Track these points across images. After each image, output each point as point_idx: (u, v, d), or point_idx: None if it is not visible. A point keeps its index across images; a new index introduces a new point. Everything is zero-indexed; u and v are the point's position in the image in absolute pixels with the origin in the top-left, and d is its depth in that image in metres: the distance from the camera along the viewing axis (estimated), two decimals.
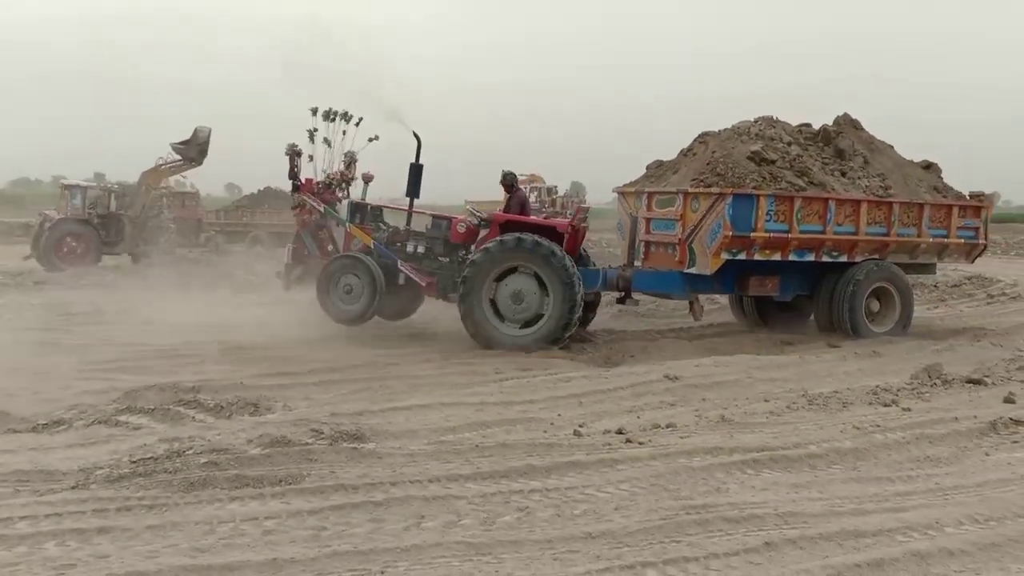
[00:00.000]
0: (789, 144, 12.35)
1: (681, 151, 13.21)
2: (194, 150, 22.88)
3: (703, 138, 13.04)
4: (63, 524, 4.78)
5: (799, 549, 4.58)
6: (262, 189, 34.54)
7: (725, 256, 11.13)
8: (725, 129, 12.87)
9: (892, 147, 13.63)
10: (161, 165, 24.15)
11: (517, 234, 10.70)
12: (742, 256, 11.22)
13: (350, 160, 11.55)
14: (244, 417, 7.10)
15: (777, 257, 11.44)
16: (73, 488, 5.38)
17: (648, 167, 13.55)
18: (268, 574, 4.20)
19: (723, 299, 14.08)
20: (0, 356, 9.44)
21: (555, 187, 37.65)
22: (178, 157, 23.55)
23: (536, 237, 10.67)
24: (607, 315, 13.81)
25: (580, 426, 7.00)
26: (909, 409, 7.68)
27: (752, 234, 11.07)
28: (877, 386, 8.49)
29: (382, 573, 4.25)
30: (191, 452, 5.92)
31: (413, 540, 4.63)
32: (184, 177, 35.82)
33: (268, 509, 5.08)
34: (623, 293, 11.81)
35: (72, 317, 12.93)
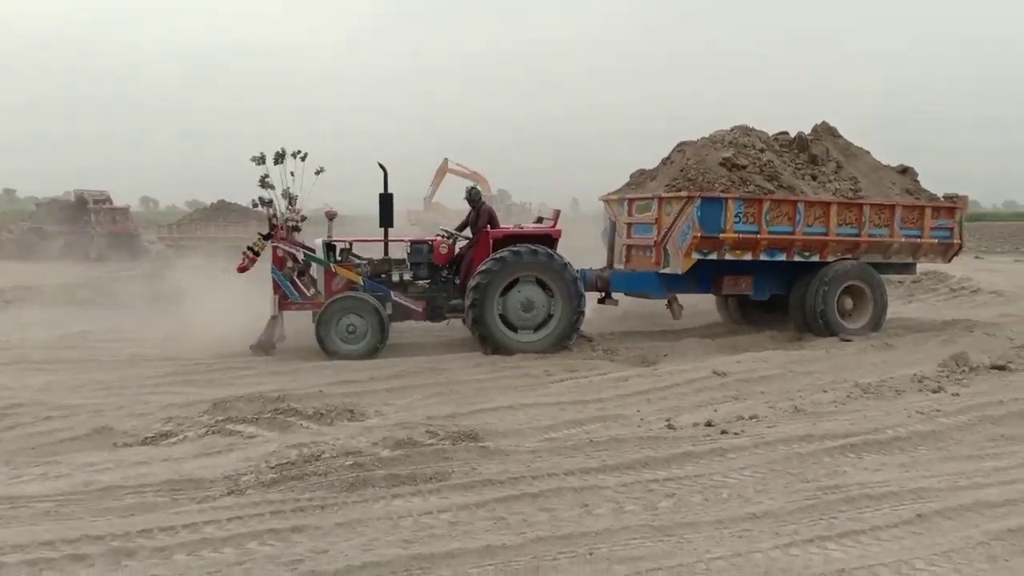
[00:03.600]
0: (762, 151, 12.95)
1: (662, 160, 13.82)
2: None
3: (681, 147, 13.65)
4: (251, 526, 4.91)
5: (948, 520, 5.02)
6: (216, 203, 34.08)
7: (696, 256, 11.70)
8: (702, 138, 13.48)
9: (868, 153, 14.39)
10: None
11: (512, 248, 11.07)
12: (713, 256, 11.78)
13: (290, 199, 11.17)
14: (346, 423, 7.25)
15: (748, 257, 11.98)
16: (230, 494, 5.50)
17: (631, 175, 14.18)
18: (488, 559, 4.44)
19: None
20: (50, 376, 9.37)
21: (507, 192, 37.95)
22: None
23: (531, 246, 11.08)
24: (613, 318, 14.27)
25: (668, 420, 7.36)
26: (957, 394, 8.27)
27: (721, 235, 11.63)
28: (914, 374, 9.07)
29: (591, 554, 4.53)
30: (327, 456, 6.09)
31: (597, 525, 4.92)
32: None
33: (435, 504, 5.30)
34: (603, 293, 12.47)
35: (86, 335, 12.71)
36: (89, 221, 34.71)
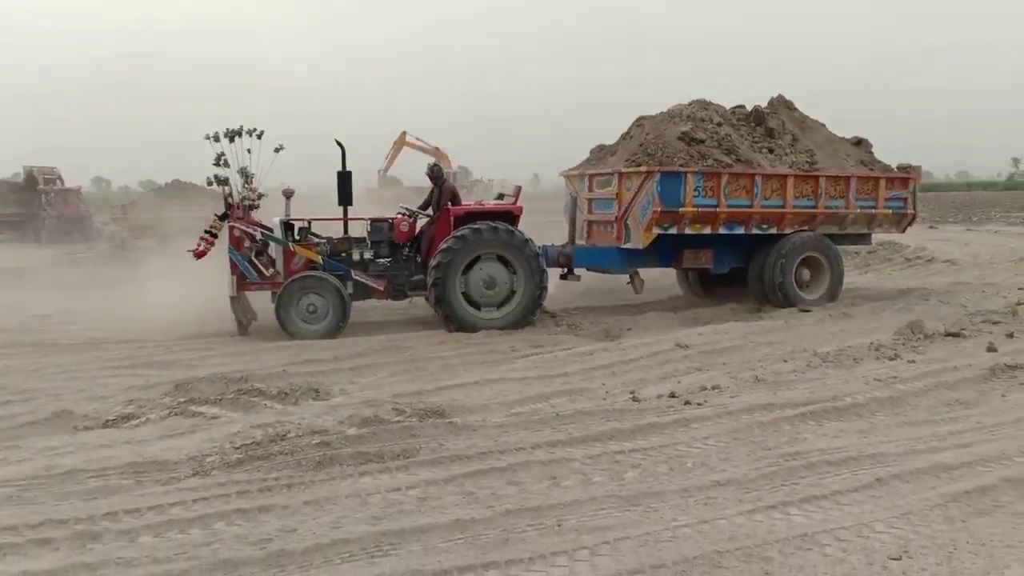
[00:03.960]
0: (719, 124, 13.02)
1: (621, 135, 13.84)
2: None
3: (640, 121, 13.67)
4: (218, 507, 4.89)
5: (906, 483, 5.15)
6: (170, 182, 33.41)
7: (656, 230, 11.79)
8: (660, 113, 13.53)
9: (824, 125, 14.53)
10: None
11: (473, 226, 11.02)
12: (673, 230, 11.87)
13: (246, 177, 10.96)
14: (311, 403, 7.22)
15: (708, 231, 12.10)
16: (196, 475, 5.46)
17: (591, 151, 14.21)
18: (457, 534, 4.46)
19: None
20: (7, 360, 9.20)
21: (467, 170, 37.76)
22: None
23: (492, 223, 11.05)
24: (575, 293, 14.34)
25: (632, 392, 7.44)
26: (913, 361, 8.45)
27: (681, 209, 11.72)
28: (871, 343, 9.24)
29: (559, 525, 4.58)
30: (293, 436, 6.07)
31: (565, 497, 4.97)
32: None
33: (403, 480, 5.31)
34: (565, 269, 12.52)
35: (43, 319, 12.48)
36: (40, 203, 33.98)
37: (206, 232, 10.83)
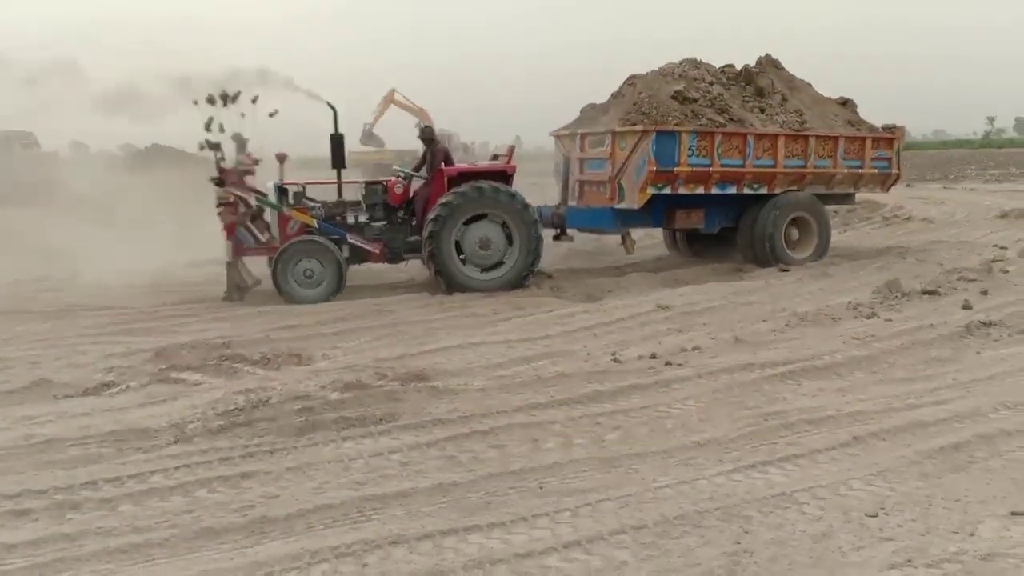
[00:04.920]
0: (711, 84, 12.99)
1: (612, 94, 13.72)
2: None
3: (631, 80, 13.56)
4: (199, 474, 4.89)
5: (883, 441, 5.22)
6: (149, 146, 33.00)
7: (651, 191, 11.76)
8: (652, 71, 13.43)
9: (810, 85, 14.51)
10: None
11: (475, 183, 10.95)
12: (667, 190, 11.86)
13: (240, 142, 10.78)
14: (294, 368, 7.20)
15: (701, 191, 12.10)
16: (177, 442, 5.45)
17: (582, 110, 14.05)
18: (439, 497, 4.49)
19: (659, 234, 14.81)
20: None
21: (452, 132, 37.41)
22: None
23: (493, 183, 10.98)
24: (558, 255, 14.34)
25: (613, 354, 7.46)
26: (890, 320, 8.53)
27: (676, 169, 11.70)
28: (849, 302, 9.31)
29: (541, 488, 4.61)
30: (275, 401, 6.05)
31: (546, 460, 5.00)
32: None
33: (386, 445, 5.33)
34: (558, 230, 12.46)
35: (17, 284, 12.30)
36: (12, 168, 33.47)
37: (218, 205, 10.75)
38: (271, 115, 10.50)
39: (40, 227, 20.86)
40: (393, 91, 39.64)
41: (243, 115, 10.48)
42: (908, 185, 29.69)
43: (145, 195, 29.06)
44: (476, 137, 43.30)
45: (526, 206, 11.06)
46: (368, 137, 39.17)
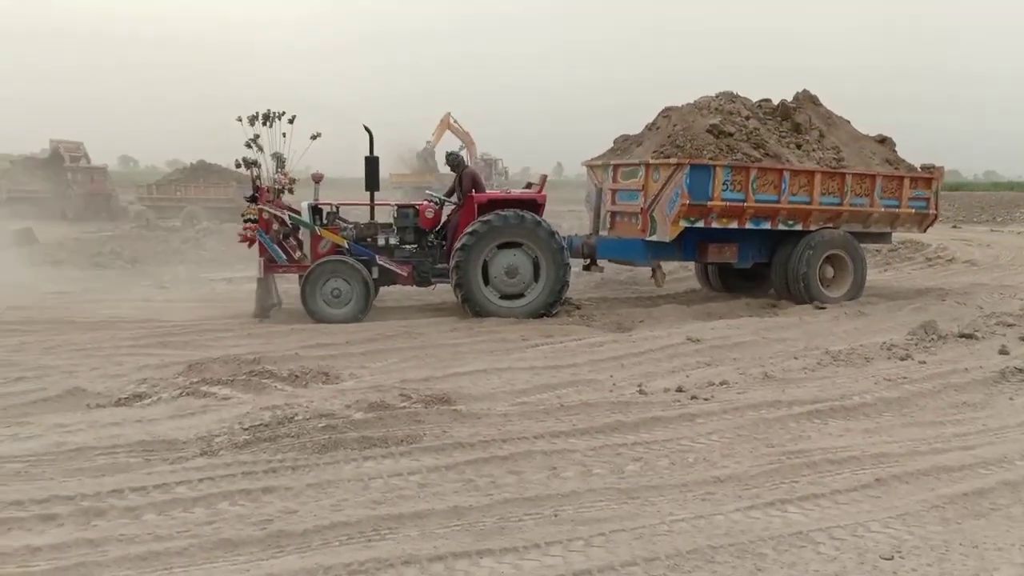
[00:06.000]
0: (747, 118, 12.97)
1: (646, 126, 13.77)
2: None
3: (666, 112, 13.60)
4: (223, 487, 4.97)
5: (906, 484, 5.15)
6: (195, 163, 33.71)
7: (683, 224, 11.73)
8: (687, 104, 13.46)
9: (848, 122, 14.43)
10: None
11: (500, 212, 11.06)
12: (700, 224, 11.82)
13: (279, 161, 11.04)
14: (321, 386, 7.30)
15: (734, 225, 12.05)
16: (203, 455, 5.55)
17: (615, 141, 14.14)
18: (454, 520, 4.52)
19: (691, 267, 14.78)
20: (24, 337, 9.35)
21: (495, 158, 37.72)
22: None
23: (518, 211, 11.09)
24: (590, 284, 14.39)
25: (639, 386, 7.46)
26: (924, 362, 8.41)
27: (709, 203, 11.67)
28: (884, 342, 9.20)
29: (556, 515, 4.62)
30: (300, 418, 6.14)
31: (564, 488, 5.01)
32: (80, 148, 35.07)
33: (405, 466, 5.37)
34: (589, 260, 12.49)
35: (62, 296, 12.66)
36: (66, 181, 34.38)
37: (245, 221, 10.98)
38: (313, 138, 10.74)
39: (87, 240, 21.42)
40: (448, 115, 40.31)
41: (284, 135, 10.74)
42: (954, 226, 29.36)
43: (189, 210, 29.73)
44: (519, 164, 43.66)
45: (552, 234, 11.12)
46: (428, 154, 39.83)
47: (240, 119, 10.73)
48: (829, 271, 12.80)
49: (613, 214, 12.94)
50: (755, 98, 13.67)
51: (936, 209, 13.81)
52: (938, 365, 8.29)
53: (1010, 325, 10.08)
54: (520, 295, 11.20)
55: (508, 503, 4.75)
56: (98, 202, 34.41)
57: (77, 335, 9.54)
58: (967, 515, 4.65)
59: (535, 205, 11.45)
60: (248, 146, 10.81)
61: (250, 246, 11.03)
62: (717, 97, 13.36)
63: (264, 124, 10.70)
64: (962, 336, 9.54)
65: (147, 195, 33.74)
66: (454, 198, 11.85)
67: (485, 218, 11.02)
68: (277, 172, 11.11)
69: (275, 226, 11.09)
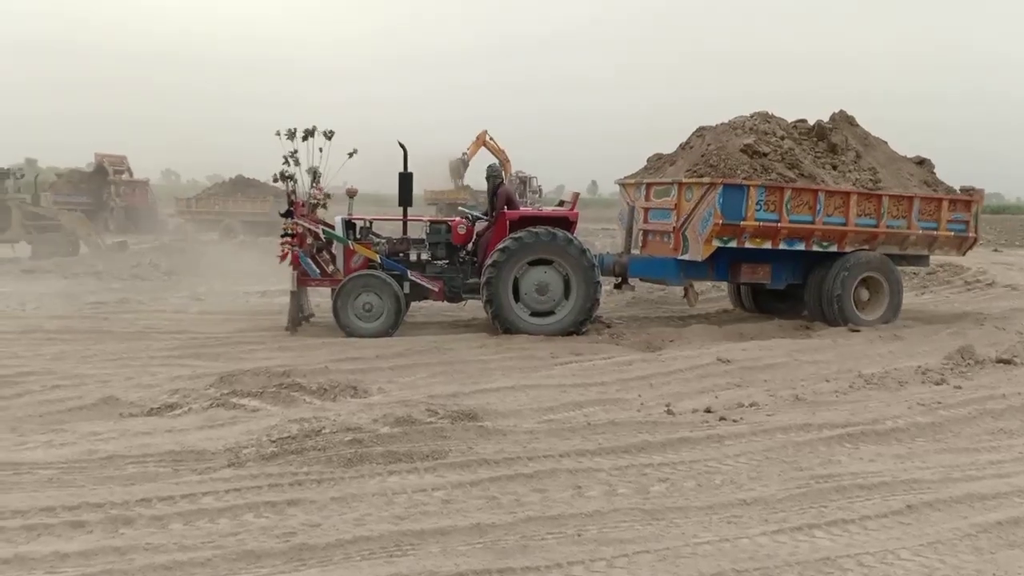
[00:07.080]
0: (782, 138, 12.86)
1: (680, 145, 13.73)
2: None
3: (700, 132, 13.55)
4: (248, 498, 5.01)
5: (938, 511, 5.05)
6: (234, 177, 34.20)
7: (716, 243, 11.64)
8: (721, 123, 13.39)
9: (886, 143, 14.25)
10: None
11: (532, 229, 11.07)
12: (733, 244, 11.72)
13: (315, 176, 11.14)
14: (348, 399, 7.35)
15: (768, 245, 11.92)
16: (231, 466, 5.60)
17: (648, 160, 14.11)
18: (477, 537, 4.51)
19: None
20: (62, 346, 9.53)
21: (530, 176, 37.74)
22: None
23: (550, 229, 11.10)
24: (621, 302, 14.34)
25: (668, 405, 7.40)
26: (959, 387, 8.26)
27: (742, 222, 11.56)
28: (919, 366, 9.06)
29: (579, 535, 4.59)
30: (327, 432, 6.18)
31: (588, 507, 4.98)
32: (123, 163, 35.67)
33: (430, 481, 5.38)
34: (620, 278, 12.43)
35: (100, 306, 12.88)
36: (109, 193, 35.00)
37: (282, 236, 11.13)
38: (350, 155, 10.88)
39: (127, 252, 21.80)
40: (485, 132, 40.57)
41: (321, 151, 10.88)
42: (995, 250, 28.81)
43: (228, 223, 30.12)
44: (553, 182, 43.64)
45: (584, 252, 11.12)
46: (462, 165, 40.06)
47: (279, 133, 10.91)
48: (864, 293, 12.62)
49: (645, 232, 12.90)
50: (791, 119, 13.60)
51: (976, 232, 13.55)
52: (974, 391, 8.15)
53: None
54: (550, 312, 11.20)
55: (531, 521, 4.73)
56: (139, 214, 34.96)
57: (114, 345, 9.70)
58: (1001, 545, 4.55)
59: (567, 223, 11.47)
60: (286, 161, 10.97)
61: (290, 263, 11.12)
62: (752, 117, 13.29)
63: (303, 139, 10.86)
64: (1000, 361, 9.38)
65: (186, 208, 34.29)
66: (486, 213, 11.90)
67: (516, 235, 11.05)
68: (312, 187, 11.25)
69: (309, 240, 11.21)
